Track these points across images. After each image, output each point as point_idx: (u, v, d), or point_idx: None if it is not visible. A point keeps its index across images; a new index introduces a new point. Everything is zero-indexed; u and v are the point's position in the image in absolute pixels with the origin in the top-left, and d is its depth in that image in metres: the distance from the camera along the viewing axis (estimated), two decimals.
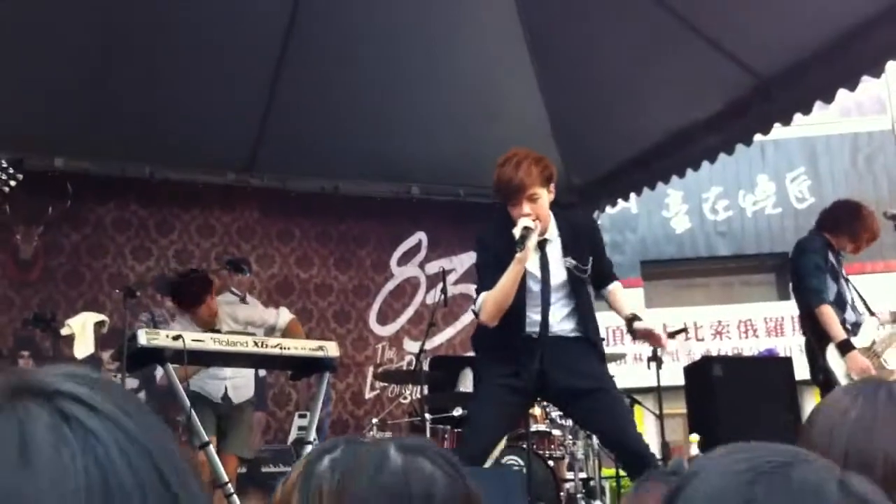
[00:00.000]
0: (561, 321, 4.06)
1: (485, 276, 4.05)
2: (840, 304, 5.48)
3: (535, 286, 4.04)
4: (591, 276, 4.16)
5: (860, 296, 5.66)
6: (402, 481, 1.26)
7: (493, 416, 4.06)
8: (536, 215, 3.93)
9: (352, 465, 1.36)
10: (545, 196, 4.00)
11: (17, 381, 0.67)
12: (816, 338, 5.45)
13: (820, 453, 1.15)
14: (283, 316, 5.90)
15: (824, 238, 5.63)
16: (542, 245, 4.06)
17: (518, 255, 3.88)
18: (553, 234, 4.11)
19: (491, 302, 3.95)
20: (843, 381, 5.27)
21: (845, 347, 5.31)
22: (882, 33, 5.08)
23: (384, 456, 1.30)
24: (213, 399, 5.79)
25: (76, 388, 0.66)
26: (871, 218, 5.65)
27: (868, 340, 5.46)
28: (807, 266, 5.55)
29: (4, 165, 4.62)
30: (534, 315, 4.03)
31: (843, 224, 5.64)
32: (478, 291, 4.08)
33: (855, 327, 5.48)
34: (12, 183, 4.75)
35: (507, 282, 3.92)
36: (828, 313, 5.36)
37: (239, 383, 5.90)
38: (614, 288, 4.32)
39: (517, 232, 3.88)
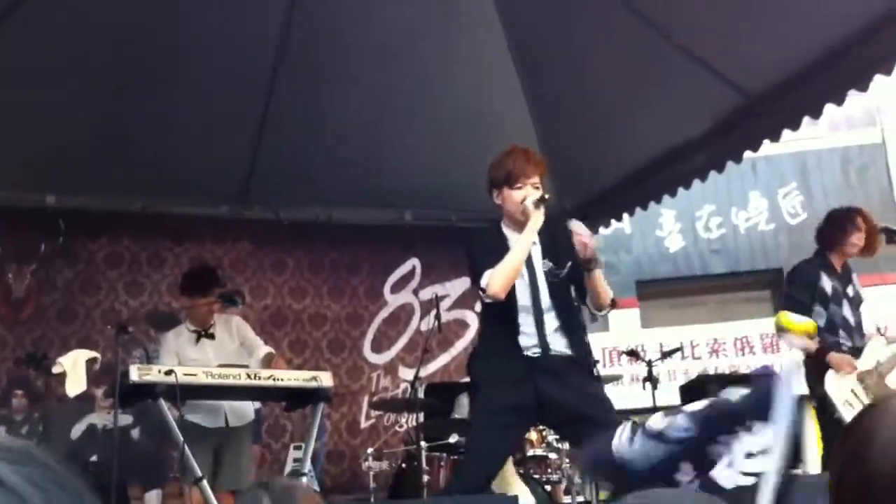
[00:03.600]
0: (552, 335, 4.02)
1: (480, 260, 4.03)
2: (831, 330, 5.49)
3: (524, 296, 4.02)
4: (573, 285, 4.12)
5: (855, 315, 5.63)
6: None
7: (493, 442, 4.02)
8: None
9: None
10: (541, 191, 4.08)
11: None
12: (813, 363, 5.45)
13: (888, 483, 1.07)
14: (263, 348, 5.84)
15: (821, 260, 5.64)
16: None
17: (531, 223, 3.95)
18: (536, 237, 4.12)
19: (503, 268, 3.92)
20: (841, 407, 5.28)
21: (826, 351, 5.37)
22: (867, 48, 5.08)
23: None
24: (212, 427, 5.69)
25: None
26: (859, 216, 5.64)
27: (871, 362, 5.44)
28: (785, 298, 5.66)
29: None
30: (528, 329, 4.01)
31: (835, 236, 5.64)
32: (476, 275, 4.04)
33: (855, 352, 5.46)
34: None
35: (520, 248, 3.96)
36: None
37: (237, 406, 5.81)
38: None
39: (532, 196, 3.97)
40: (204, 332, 5.74)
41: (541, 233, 4.10)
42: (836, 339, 5.47)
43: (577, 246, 3.91)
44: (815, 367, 5.42)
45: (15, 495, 0.66)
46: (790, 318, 4.89)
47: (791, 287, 5.66)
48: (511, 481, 5.38)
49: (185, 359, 5.59)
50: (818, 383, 5.39)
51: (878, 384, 5.36)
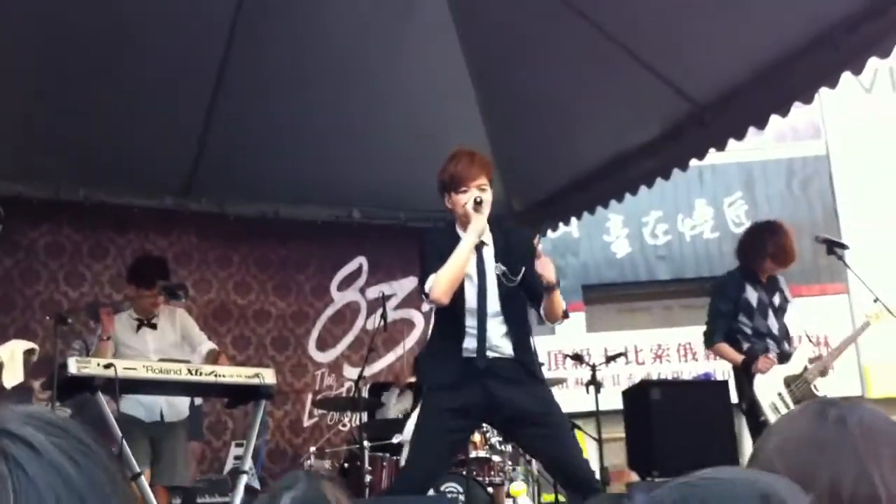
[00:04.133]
0: (500, 339, 4.02)
1: (430, 262, 4.02)
2: (759, 339, 5.62)
3: (472, 298, 4.02)
4: (526, 293, 4.12)
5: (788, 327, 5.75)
6: None
7: (436, 446, 4.02)
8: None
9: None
10: (490, 192, 4.08)
11: None
12: (742, 370, 5.62)
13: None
14: (206, 344, 5.79)
15: (744, 272, 5.76)
16: (478, 247, 4.06)
17: (472, 226, 3.95)
18: (488, 239, 4.11)
19: (444, 273, 3.91)
20: (767, 410, 5.41)
21: (750, 361, 5.54)
22: (812, 61, 5.17)
23: None
24: (147, 421, 5.58)
25: (28, 431, 0.69)
26: (772, 242, 5.72)
27: (800, 367, 5.57)
28: (710, 311, 5.84)
29: None
30: (472, 332, 4.00)
31: (753, 251, 5.77)
32: (423, 277, 4.03)
33: (783, 357, 5.60)
34: None
35: (461, 251, 3.94)
36: (719, 350, 5.71)
37: (174, 400, 5.74)
38: None
39: (471, 199, 3.97)
40: (146, 322, 5.69)
41: (495, 236, 4.11)
42: (764, 345, 5.60)
43: (540, 268, 3.92)
44: (745, 372, 5.56)
45: (51, 466, 0.68)
46: None
47: (715, 298, 5.81)
48: None
49: (122, 346, 5.53)
50: (748, 388, 5.53)
51: (803, 389, 5.50)
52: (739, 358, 5.60)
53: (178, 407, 5.74)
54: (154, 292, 5.62)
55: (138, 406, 5.49)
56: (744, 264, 5.83)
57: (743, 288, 5.70)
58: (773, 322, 5.68)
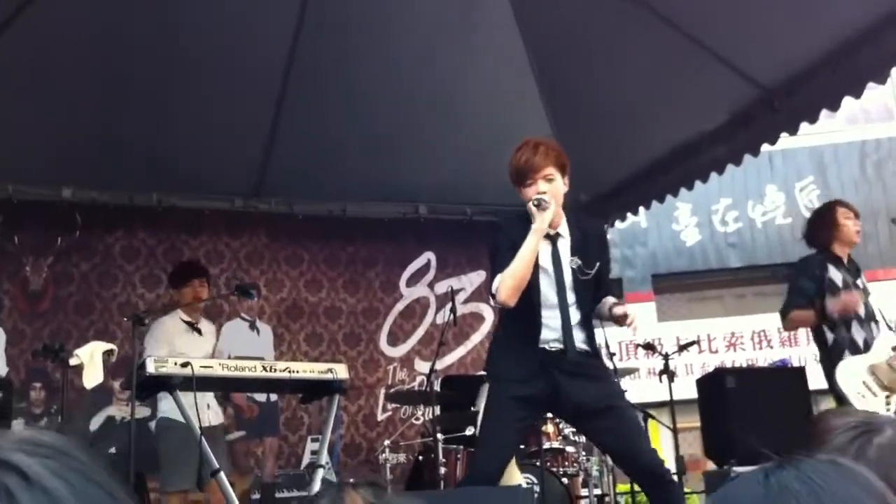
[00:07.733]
0: (574, 328, 3.96)
1: (500, 258, 3.92)
2: (846, 321, 5.43)
3: (547, 291, 3.99)
4: (593, 284, 4.07)
5: (880, 313, 5.58)
6: None
7: (505, 434, 4.00)
8: (552, 195, 3.89)
9: None
10: (560, 181, 3.96)
11: None
12: (824, 357, 5.46)
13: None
14: None
15: (825, 254, 5.58)
16: (553, 239, 4.01)
17: (535, 226, 3.83)
18: (564, 231, 4.06)
19: (509, 276, 3.83)
20: (854, 399, 5.24)
21: (822, 310, 5.35)
22: (885, 40, 5.06)
23: None
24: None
25: (22, 460, 0.68)
26: (831, 211, 5.60)
27: (884, 356, 5.39)
28: (790, 288, 5.62)
29: None
30: (552, 323, 3.97)
31: (827, 228, 5.61)
32: (493, 275, 3.95)
33: (865, 344, 5.43)
34: None
35: (525, 254, 3.84)
36: (794, 318, 5.51)
37: (210, 406, 5.88)
38: (606, 298, 4.18)
39: (534, 199, 3.84)
40: (194, 326, 6.03)
41: (571, 228, 4.07)
42: (849, 335, 5.43)
43: (628, 322, 3.87)
44: (829, 364, 5.42)
45: (42, 492, 0.66)
46: None
47: (798, 277, 5.61)
48: (511, 471, 5.37)
49: (171, 347, 5.70)
50: (833, 381, 5.37)
51: (890, 376, 5.33)
52: (812, 314, 5.38)
53: (211, 413, 5.88)
54: (194, 285, 6.05)
55: (175, 410, 5.53)
56: (821, 246, 5.65)
57: (825, 267, 5.48)
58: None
